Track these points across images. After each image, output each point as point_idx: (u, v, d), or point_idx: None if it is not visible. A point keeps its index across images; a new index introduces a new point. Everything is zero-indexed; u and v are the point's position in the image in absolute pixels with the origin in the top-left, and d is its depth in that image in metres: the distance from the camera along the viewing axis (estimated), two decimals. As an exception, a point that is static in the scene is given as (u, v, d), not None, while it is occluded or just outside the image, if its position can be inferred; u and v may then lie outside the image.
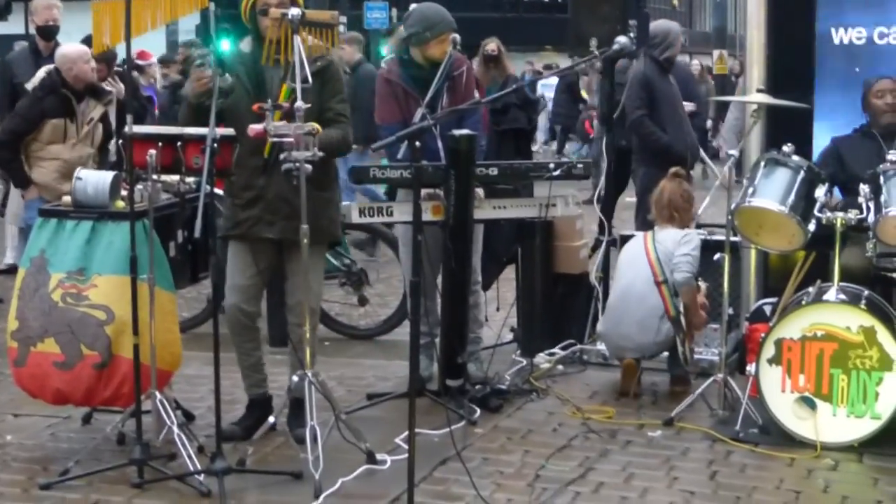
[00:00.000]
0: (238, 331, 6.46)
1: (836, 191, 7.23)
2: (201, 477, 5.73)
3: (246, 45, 6.32)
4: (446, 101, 7.12)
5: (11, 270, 9.91)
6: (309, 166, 5.84)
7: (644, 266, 7.32)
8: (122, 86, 9.65)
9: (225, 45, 6.24)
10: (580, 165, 7.40)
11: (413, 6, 7.38)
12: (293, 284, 6.39)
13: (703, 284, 7.33)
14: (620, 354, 7.42)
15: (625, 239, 8.10)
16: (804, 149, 7.24)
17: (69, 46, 9.01)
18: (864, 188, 6.57)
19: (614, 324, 7.42)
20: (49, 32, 10.20)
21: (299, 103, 5.85)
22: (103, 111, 9.06)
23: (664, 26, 9.67)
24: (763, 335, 6.58)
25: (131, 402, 6.00)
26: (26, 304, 6.18)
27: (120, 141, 8.69)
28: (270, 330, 8.24)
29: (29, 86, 9.11)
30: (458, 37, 7.13)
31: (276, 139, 5.84)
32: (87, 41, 8.78)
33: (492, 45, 10.63)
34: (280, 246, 6.40)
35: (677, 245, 7.28)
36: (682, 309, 7.19)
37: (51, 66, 9.01)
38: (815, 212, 6.60)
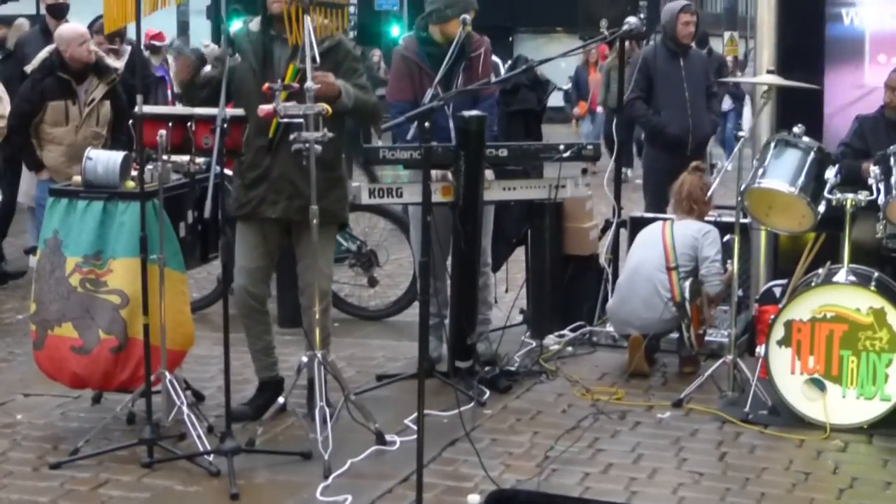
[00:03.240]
0: (247, 313, 6.45)
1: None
2: (211, 457, 5.74)
3: (255, 24, 6.32)
4: (462, 82, 7.12)
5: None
6: (319, 147, 5.84)
7: (658, 249, 7.34)
8: (119, 64, 9.58)
9: (235, 25, 6.25)
10: (590, 147, 7.39)
11: None
12: (303, 267, 6.37)
13: (729, 266, 7.29)
14: (625, 330, 7.44)
15: (634, 221, 8.11)
16: (814, 130, 7.22)
17: (66, 27, 8.92)
18: (874, 169, 6.55)
19: (621, 300, 7.46)
20: (59, 11, 10.09)
21: (309, 83, 5.84)
22: (107, 89, 8.91)
23: (665, 8, 9.64)
24: (773, 317, 6.56)
25: (148, 384, 6.03)
26: (42, 286, 6.19)
27: (130, 121, 8.66)
28: (280, 310, 8.26)
29: (28, 68, 9.08)
30: (468, 17, 7.11)
31: (285, 120, 5.84)
32: (99, 21, 8.75)
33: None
34: (287, 227, 6.40)
35: (698, 235, 7.30)
36: (688, 296, 7.19)
37: (52, 46, 8.96)
38: (825, 193, 6.59)
